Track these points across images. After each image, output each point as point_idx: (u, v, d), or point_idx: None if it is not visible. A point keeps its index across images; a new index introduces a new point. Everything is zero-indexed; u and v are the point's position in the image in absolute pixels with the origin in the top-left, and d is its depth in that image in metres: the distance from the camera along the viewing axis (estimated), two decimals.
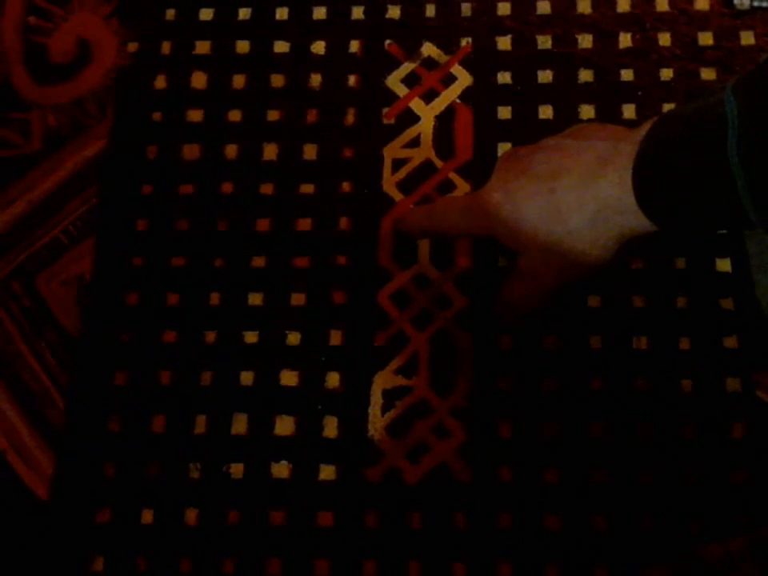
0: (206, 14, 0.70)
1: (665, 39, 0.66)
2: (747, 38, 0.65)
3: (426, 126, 0.65)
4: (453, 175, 0.64)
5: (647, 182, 0.46)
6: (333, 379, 0.60)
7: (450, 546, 0.56)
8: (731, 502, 0.55)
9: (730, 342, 0.59)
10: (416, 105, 0.66)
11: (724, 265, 0.60)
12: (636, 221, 0.47)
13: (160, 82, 0.68)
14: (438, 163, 0.64)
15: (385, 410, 0.59)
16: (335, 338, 0.61)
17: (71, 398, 0.61)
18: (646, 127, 0.48)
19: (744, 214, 0.41)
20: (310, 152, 0.65)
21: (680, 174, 0.44)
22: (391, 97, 0.67)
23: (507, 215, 0.52)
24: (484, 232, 0.55)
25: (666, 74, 0.65)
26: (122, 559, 0.57)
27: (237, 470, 0.58)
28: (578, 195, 0.49)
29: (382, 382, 0.60)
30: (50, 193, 0.66)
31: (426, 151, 0.65)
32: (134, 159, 0.66)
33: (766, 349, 0.59)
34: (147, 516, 0.58)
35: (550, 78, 0.66)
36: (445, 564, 0.56)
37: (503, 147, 0.64)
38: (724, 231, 0.61)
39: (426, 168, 0.65)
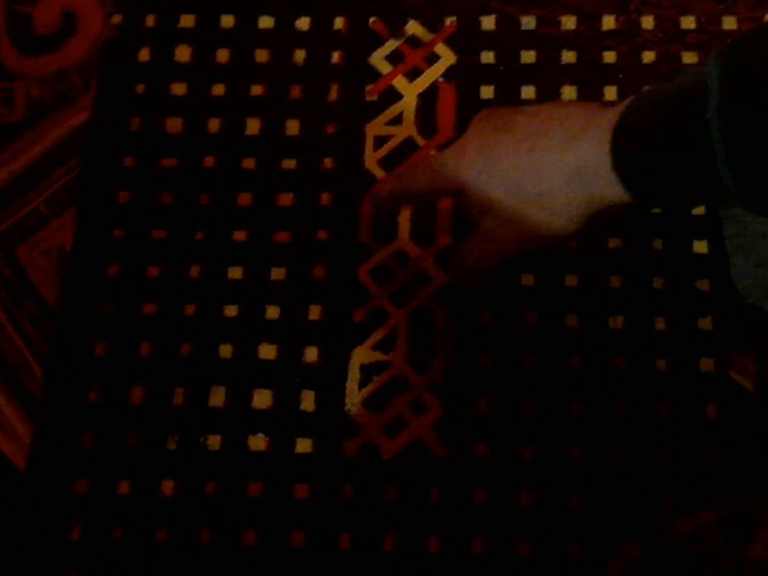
0: None
1: (648, 22, 0.66)
2: (730, 23, 0.66)
3: (408, 104, 0.66)
4: (434, 153, 0.64)
5: (625, 146, 0.46)
6: (311, 353, 0.60)
7: (425, 519, 0.57)
8: (703, 479, 0.56)
9: (705, 323, 0.60)
10: (399, 82, 0.66)
11: (701, 247, 0.61)
12: (609, 188, 0.47)
13: (144, 55, 0.68)
14: (420, 141, 0.65)
15: (362, 384, 0.60)
16: (314, 312, 0.61)
17: (50, 369, 0.61)
18: (630, 98, 0.48)
19: (719, 182, 0.42)
20: (292, 127, 0.65)
21: (658, 138, 0.44)
22: (375, 74, 0.67)
23: (480, 169, 0.52)
24: (452, 188, 0.54)
25: (649, 56, 0.66)
26: (98, 529, 0.57)
27: (214, 441, 0.59)
28: (557, 156, 0.49)
29: (360, 356, 0.60)
30: (32, 163, 0.66)
31: (408, 129, 0.65)
32: (116, 131, 0.66)
33: (741, 330, 0.59)
34: (124, 486, 0.58)
35: (533, 58, 0.66)
36: (419, 537, 0.56)
37: None
38: (695, 208, 0.61)
39: (408, 145, 0.65)
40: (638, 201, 0.48)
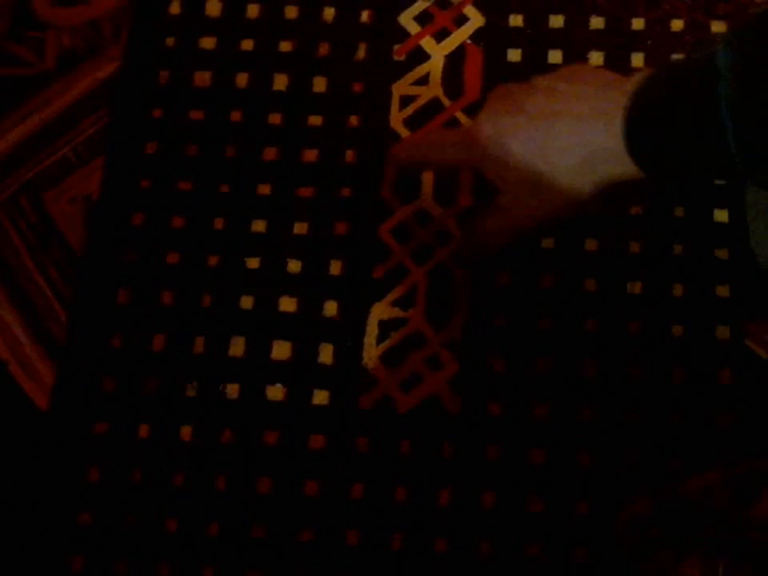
0: None
1: None
2: None
3: (435, 65, 0.66)
4: (459, 114, 0.65)
5: (637, 129, 0.46)
6: (331, 308, 0.61)
7: (437, 473, 0.58)
8: (713, 443, 0.57)
9: (723, 291, 0.60)
10: (427, 43, 0.67)
11: (722, 215, 0.61)
12: (622, 168, 0.48)
13: (174, 8, 0.69)
14: (446, 102, 0.65)
15: (380, 340, 0.60)
16: (335, 267, 0.62)
17: (74, 314, 0.62)
18: (638, 77, 0.48)
19: (732, 164, 0.42)
20: (319, 84, 0.66)
21: (670, 122, 0.45)
22: (403, 34, 0.67)
23: (496, 150, 0.52)
24: (472, 165, 0.55)
25: (677, 24, 0.66)
26: (117, 471, 0.58)
27: (232, 390, 0.60)
28: (567, 141, 0.49)
29: (378, 312, 0.61)
30: (61, 112, 0.67)
31: (434, 89, 0.65)
32: (145, 83, 0.67)
33: (758, 300, 0.60)
34: (143, 430, 0.59)
35: (562, 23, 0.66)
36: (431, 490, 0.57)
37: None
38: (715, 181, 0.61)
39: (434, 106, 0.65)
40: (652, 178, 0.48)
